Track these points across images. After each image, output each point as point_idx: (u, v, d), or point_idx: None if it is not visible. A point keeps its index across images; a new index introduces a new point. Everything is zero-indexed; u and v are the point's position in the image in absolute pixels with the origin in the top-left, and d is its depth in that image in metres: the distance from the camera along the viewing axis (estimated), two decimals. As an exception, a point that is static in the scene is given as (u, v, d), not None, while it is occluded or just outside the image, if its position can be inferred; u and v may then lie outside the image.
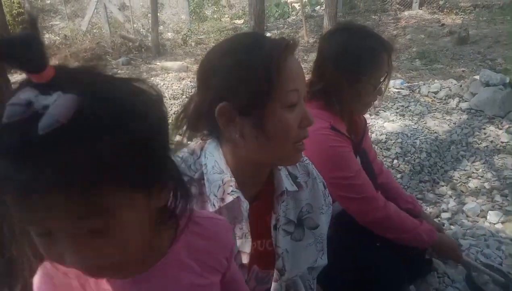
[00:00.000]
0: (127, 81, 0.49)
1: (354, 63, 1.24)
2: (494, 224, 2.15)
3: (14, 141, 0.38)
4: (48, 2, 9.95)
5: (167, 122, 0.51)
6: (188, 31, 8.51)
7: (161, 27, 8.65)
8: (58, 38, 7.67)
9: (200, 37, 8.38)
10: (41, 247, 0.46)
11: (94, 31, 7.94)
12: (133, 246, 0.49)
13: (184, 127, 0.87)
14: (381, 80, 1.30)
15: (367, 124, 1.56)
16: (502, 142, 3.09)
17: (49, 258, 0.48)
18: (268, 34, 8.11)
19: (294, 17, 9.92)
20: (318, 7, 10.51)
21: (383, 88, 1.33)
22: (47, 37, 7.83)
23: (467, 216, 2.27)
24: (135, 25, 8.27)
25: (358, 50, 1.24)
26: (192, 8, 9.89)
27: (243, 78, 0.76)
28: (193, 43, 8.05)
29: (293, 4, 10.45)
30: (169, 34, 8.80)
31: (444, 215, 2.29)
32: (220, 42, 0.85)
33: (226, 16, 10.60)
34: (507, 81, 3.61)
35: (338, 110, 1.31)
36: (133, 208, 0.47)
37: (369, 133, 3.28)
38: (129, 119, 0.43)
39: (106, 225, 0.44)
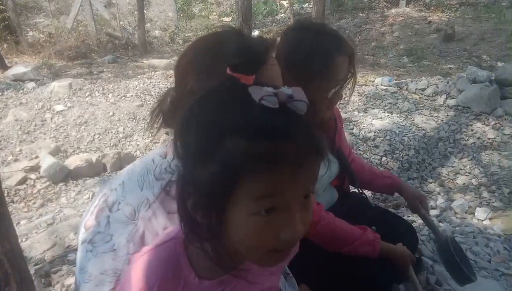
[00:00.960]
0: None
1: (303, 62, 1.14)
2: (482, 220, 2.17)
3: (286, 123, 0.48)
4: (32, -1, 9.73)
5: None
6: (176, 28, 8.42)
7: (148, 25, 8.54)
8: (43, 36, 7.49)
9: (188, 34, 8.30)
10: (259, 228, 0.50)
11: (80, 28, 7.77)
12: (311, 219, 0.58)
13: (159, 122, 0.85)
14: (338, 84, 1.19)
15: (341, 123, 1.50)
16: (489, 138, 3.12)
17: (260, 240, 0.52)
18: (256, 32, 8.06)
19: (282, 15, 9.90)
20: (306, 4, 10.49)
21: (344, 93, 1.23)
22: (31, 35, 7.66)
23: (456, 213, 2.28)
24: (121, 23, 8.13)
25: (310, 50, 1.14)
26: (180, 5, 9.78)
27: (215, 74, 0.74)
28: (180, 41, 7.96)
29: (281, 1, 10.42)
30: (156, 31, 8.69)
31: (433, 212, 2.30)
32: (197, 38, 0.86)
33: (214, 13, 10.51)
34: (493, 78, 3.65)
35: None
36: None
37: (357, 131, 3.28)
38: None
39: (311, 194, 0.54)
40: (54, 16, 8.30)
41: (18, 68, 5.33)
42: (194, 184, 0.51)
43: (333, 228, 1.23)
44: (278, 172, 0.47)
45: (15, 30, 6.69)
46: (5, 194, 2.62)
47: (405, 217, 1.91)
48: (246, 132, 0.47)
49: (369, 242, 1.24)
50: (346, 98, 1.27)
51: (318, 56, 1.14)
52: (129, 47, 7.20)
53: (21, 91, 4.75)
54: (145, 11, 7.90)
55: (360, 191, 1.63)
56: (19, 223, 2.39)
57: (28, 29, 7.99)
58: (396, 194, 1.61)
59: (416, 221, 2.01)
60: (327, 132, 1.45)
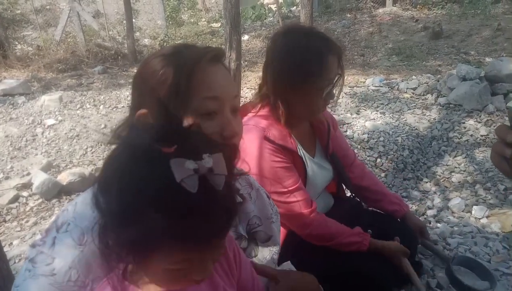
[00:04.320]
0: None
1: (298, 64, 1.18)
2: (480, 219, 2.17)
3: (205, 200, 0.50)
4: (19, 12, 9.64)
5: None
6: (165, 36, 8.39)
7: (137, 34, 8.49)
8: (31, 49, 7.42)
9: (178, 42, 8.28)
10: (175, 277, 0.57)
11: (68, 40, 7.70)
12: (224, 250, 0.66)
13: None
14: (331, 83, 1.24)
15: (335, 127, 1.52)
16: (482, 135, 3.13)
17: (174, 284, 0.59)
18: (246, 37, 8.07)
19: (271, 19, 9.92)
20: (294, 7, 10.53)
21: (335, 92, 1.27)
22: (19, 48, 7.58)
23: (453, 212, 2.28)
24: (110, 33, 8.08)
25: (302, 51, 1.19)
26: (168, 13, 9.75)
27: (154, 86, 0.74)
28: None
29: (269, 5, 10.45)
30: (146, 40, 8.65)
31: (430, 212, 2.30)
32: (157, 50, 0.86)
33: (203, 19, 10.51)
34: (483, 75, 3.68)
35: (283, 116, 1.26)
36: None
37: (350, 133, 3.28)
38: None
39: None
40: (42, 29, 8.23)
41: (7, 83, 5.27)
42: (115, 236, 0.53)
43: (324, 224, 1.31)
44: (193, 247, 0.52)
45: (2, 44, 6.62)
46: (-3, 214, 2.58)
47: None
48: (166, 211, 0.49)
49: (358, 234, 1.31)
50: (335, 98, 1.29)
51: (312, 57, 1.19)
52: (119, 57, 7.15)
53: (10, 106, 4.69)
54: (133, 20, 7.86)
55: (353, 195, 1.64)
56: (11, 243, 2.35)
57: (16, 43, 7.90)
58: None
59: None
60: (320, 137, 1.45)
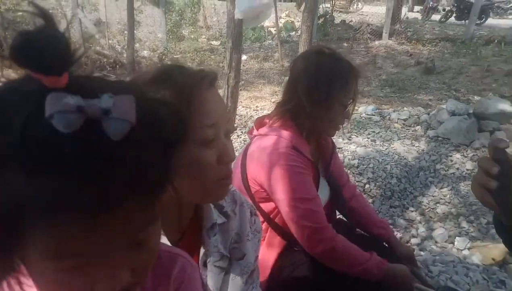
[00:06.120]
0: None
1: (325, 82, 1.28)
2: (462, 250, 2.22)
3: (83, 153, 0.33)
4: (20, 14, 9.69)
5: None
6: (165, 50, 8.50)
7: (137, 45, 8.58)
8: (29, 51, 7.45)
9: (177, 56, 8.38)
10: (65, 282, 0.39)
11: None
12: (154, 259, 0.46)
13: None
14: (349, 103, 1.36)
15: (335, 148, 1.58)
16: (468, 169, 3.22)
17: None
18: (244, 57, 8.22)
19: (270, 41, 10.14)
20: (294, 32, 10.81)
21: (350, 111, 1.38)
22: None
23: (436, 242, 2.33)
24: (110, 41, 8.17)
25: (330, 71, 1.29)
26: (170, 27, 9.91)
27: None
28: (169, 62, 8.03)
29: (269, 28, 10.70)
30: (145, 52, 8.75)
31: (414, 241, 2.34)
32: (144, 71, 0.79)
33: (203, 36, 10.69)
34: (471, 111, 3.81)
35: (305, 130, 1.34)
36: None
37: (341, 158, 3.35)
38: (168, 117, 0.41)
39: (154, 229, 0.43)
40: (42, 32, 8.26)
41: (3, 82, 5.25)
42: None
43: (348, 246, 1.29)
44: (71, 220, 0.34)
45: (1, 44, 6.63)
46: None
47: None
48: (23, 164, 0.33)
49: (377, 263, 1.30)
50: (347, 119, 1.40)
51: (339, 75, 1.30)
52: (117, 66, 7.21)
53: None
54: (135, 31, 7.96)
55: (346, 218, 1.66)
56: None
57: (15, 44, 7.92)
58: None
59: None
60: (324, 155, 1.51)
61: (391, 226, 2.52)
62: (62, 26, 0.40)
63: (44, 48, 0.34)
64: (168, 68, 0.76)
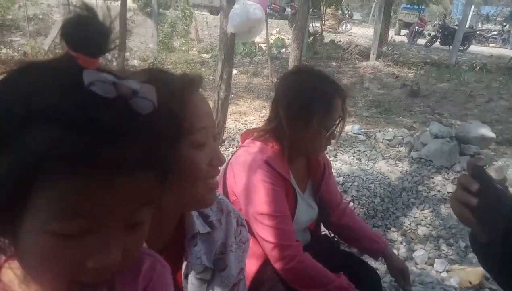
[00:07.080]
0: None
1: (306, 104, 1.26)
2: (440, 272, 2.26)
3: (114, 118, 0.37)
4: (10, 17, 9.60)
5: None
6: (155, 60, 8.51)
7: (127, 54, 8.58)
8: (17, 54, 7.37)
9: (167, 67, 8.40)
10: (58, 251, 0.39)
11: (57, 51, 7.72)
12: (141, 246, 0.49)
13: None
14: (334, 124, 1.32)
15: (329, 169, 1.57)
16: (448, 192, 3.29)
17: (57, 266, 0.40)
18: (234, 71, 8.29)
19: (260, 57, 10.26)
20: (284, 49, 10.98)
21: (336, 133, 1.36)
22: (4, 52, 7.50)
23: (416, 263, 2.36)
24: (100, 49, 8.16)
25: (311, 92, 1.27)
26: (161, 38, 9.95)
27: None
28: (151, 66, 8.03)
29: (260, 44, 10.84)
30: (135, 61, 8.74)
31: (395, 261, 2.37)
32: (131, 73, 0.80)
33: (194, 49, 10.75)
34: (453, 135, 3.91)
35: (288, 149, 1.31)
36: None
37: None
38: (176, 111, 0.47)
39: (149, 215, 0.46)
40: (31, 36, 8.21)
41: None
42: None
43: (312, 266, 1.27)
44: (90, 177, 0.37)
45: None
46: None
47: (369, 263, 1.96)
48: (58, 120, 0.36)
49: (343, 288, 1.26)
50: (336, 139, 1.38)
51: (319, 98, 1.26)
52: (106, 74, 7.19)
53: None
54: (126, 40, 7.97)
55: (332, 234, 1.67)
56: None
57: (2, 46, 7.83)
58: None
59: (380, 268, 2.06)
60: (313, 176, 1.50)
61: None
62: (51, 32, 0.45)
63: (89, 32, 0.40)
64: (154, 71, 0.77)
